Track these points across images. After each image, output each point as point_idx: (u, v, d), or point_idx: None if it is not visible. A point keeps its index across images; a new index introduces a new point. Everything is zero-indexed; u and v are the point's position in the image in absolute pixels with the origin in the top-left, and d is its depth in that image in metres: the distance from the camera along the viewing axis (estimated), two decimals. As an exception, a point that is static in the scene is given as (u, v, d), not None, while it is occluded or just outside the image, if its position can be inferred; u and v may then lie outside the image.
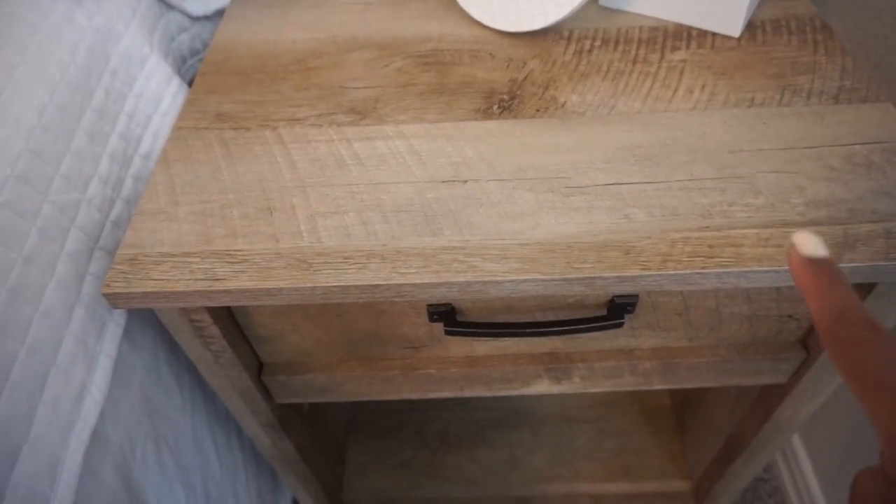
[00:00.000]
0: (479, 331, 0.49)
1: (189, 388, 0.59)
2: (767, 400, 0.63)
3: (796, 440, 0.90)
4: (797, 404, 0.60)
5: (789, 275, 0.40)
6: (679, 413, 0.94)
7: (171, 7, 0.65)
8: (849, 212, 0.43)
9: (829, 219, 0.43)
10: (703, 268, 0.40)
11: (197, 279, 0.42)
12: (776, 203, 0.44)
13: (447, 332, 0.49)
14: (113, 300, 0.42)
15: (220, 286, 0.42)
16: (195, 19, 0.69)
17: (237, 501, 0.68)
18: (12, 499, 0.36)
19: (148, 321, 0.53)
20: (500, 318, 0.51)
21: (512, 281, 0.41)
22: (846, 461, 0.78)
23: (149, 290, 0.42)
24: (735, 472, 0.75)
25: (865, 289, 0.45)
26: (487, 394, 0.59)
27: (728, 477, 0.77)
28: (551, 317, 0.51)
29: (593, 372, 0.56)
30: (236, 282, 0.42)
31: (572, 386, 0.59)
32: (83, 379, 0.43)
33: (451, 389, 0.59)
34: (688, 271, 0.40)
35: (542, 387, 0.58)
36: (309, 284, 0.41)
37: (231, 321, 0.51)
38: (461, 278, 0.41)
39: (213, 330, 0.48)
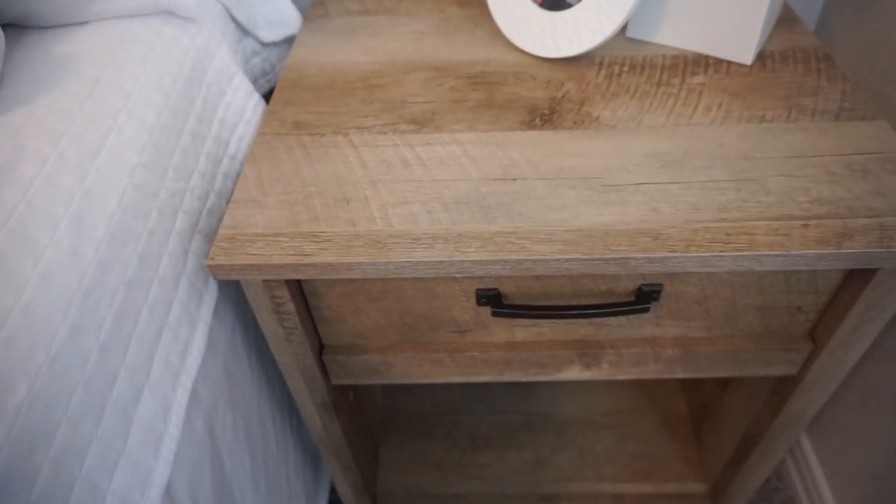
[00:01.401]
0: (522, 312, 0.56)
1: (257, 370, 0.66)
2: (779, 394, 0.69)
3: (808, 447, 0.95)
4: (807, 396, 0.65)
5: (796, 260, 0.47)
6: (696, 420, 0.99)
7: (247, 33, 0.75)
8: (848, 209, 0.50)
9: (831, 214, 0.49)
10: (721, 251, 0.47)
11: (287, 254, 0.49)
12: (784, 200, 0.51)
13: (494, 314, 0.56)
14: (215, 271, 0.50)
15: (307, 260, 0.49)
16: (265, 45, 0.78)
17: (288, 481, 0.73)
18: (137, 429, 0.43)
19: (230, 302, 0.61)
20: (540, 303, 0.58)
21: (557, 259, 0.48)
22: (857, 467, 0.83)
23: (246, 262, 0.49)
24: (750, 470, 0.80)
25: (865, 276, 0.52)
26: (524, 378, 0.65)
27: (743, 475, 0.82)
28: (585, 303, 0.57)
29: (621, 358, 0.63)
30: (321, 257, 0.49)
31: (601, 372, 0.65)
32: (187, 338, 0.50)
33: (492, 373, 0.65)
34: (708, 254, 0.47)
35: (574, 372, 0.65)
36: (383, 260, 0.49)
37: (303, 301, 0.58)
38: (514, 257, 0.48)
39: (290, 307, 0.56)
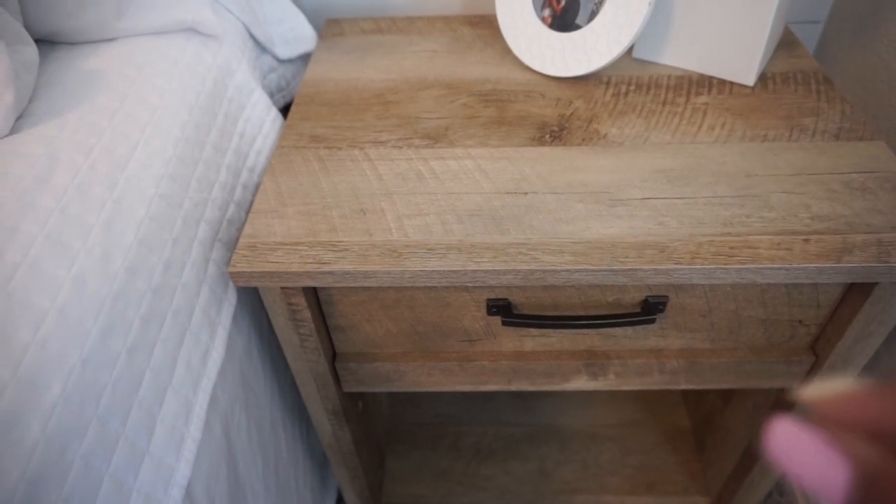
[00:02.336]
0: (532, 322, 0.57)
1: (270, 376, 0.67)
2: (782, 407, 0.70)
3: (810, 462, 0.95)
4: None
5: (797, 273, 0.49)
6: (698, 434, 1.00)
7: (264, 50, 0.77)
8: (847, 225, 0.52)
9: (831, 230, 0.51)
10: (725, 264, 0.49)
11: (306, 262, 0.51)
12: (786, 216, 0.53)
13: (504, 323, 0.57)
14: (236, 278, 0.51)
15: (325, 268, 0.51)
16: (282, 62, 0.81)
17: (297, 486, 0.75)
18: (160, 430, 0.44)
19: (247, 309, 0.62)
20: (549, 313, 0.59)
21: (567, 270, 0.50)
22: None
23: (266, 269, 0.51)
24: (752, 484, 0.81)
25: (865, 291, 0.53)
26: (531, 388, 0.67)
27: (745, 489, 0.83)
28: (592, 313, 0.59)
29: (626, 369, 0.64)
30: (339, 265, 0.51)
31: (607, 383, 0.66)
32: (207, 343, 0.51)
33: (500, 382, 0.66)
34: (712, 266, 0.49)
35: (581, 382, 0.66)
36: (399, 269, 0.50)
37: (318, 309, 0.60)
38: (525, 267, 0.50)
39: (305, 314, 0.57)
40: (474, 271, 0.50)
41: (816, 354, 0.62)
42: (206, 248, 0.54)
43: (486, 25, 0.80)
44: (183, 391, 0.47)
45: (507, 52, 0.75)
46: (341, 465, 0.80)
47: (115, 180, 0.47)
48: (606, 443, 1.01)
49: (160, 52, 0.58)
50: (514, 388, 0.67)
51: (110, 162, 0.47)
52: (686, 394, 1.07)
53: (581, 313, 0.59)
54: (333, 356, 0.65)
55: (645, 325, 0.60)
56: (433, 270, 0.50)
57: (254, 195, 0.64)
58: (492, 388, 0.67)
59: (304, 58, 0.84)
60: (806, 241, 0.50)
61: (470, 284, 0.51)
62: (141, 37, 0.60)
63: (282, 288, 0.54)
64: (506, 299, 0.58)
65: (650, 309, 0.57)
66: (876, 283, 0.52)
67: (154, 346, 0.45)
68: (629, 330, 0.61)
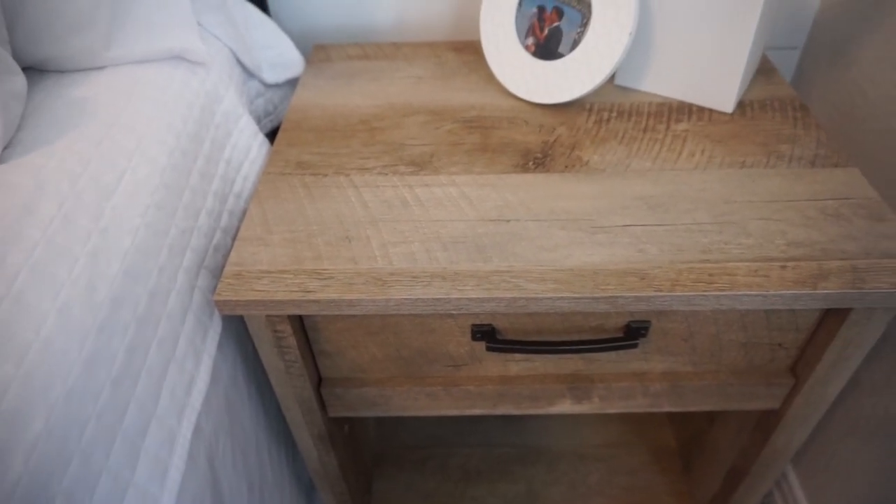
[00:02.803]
0: (516, 347, 0.58)
1: (256, 402, 0.67)
2: (764, 428, 0.71)
3: (794, 481, 0.96)
4: (790, 430, 0.68)
5: (774, 300, 0.50)
6: (684, 454, 1.01)
7: (252, 76, 0.78)
8: (822, 251, 0.53)
9: (806, 256, 0.52)
10: (704, 291, 0.50)
11: (291, 291, 0.52)
12: (763, 243, 0.54)
13: (489, 349, 0.58)
14: (222, 307, 0.52)
15: (310, 297, 0.51)
16: (269, 87, 0.82)
17: (283, 512, 0.74)
18: (144, 460, 0.44)
19: (232, 336, 0.62)
20: (533, 338, 0.60)
21: (550, 298, 0.50)
22: (842, 500, 0.85)
23: (251, 298, 0.51)
24: (737, 502, 0.82)
25: (841, 315, 0.54)
26: (516, 412, 0.67)
27: (731, 508, 0.83)
28: (576, 338, 0.60)
29: (610, 392, 0.65)
30: (324, 293, 0.51)
31: (591, 406, 0.67)
32: (192, 371, 0.51)
33: (485, 406, 0.67)
34: (692, 293, 0.50)
35: (565, 406, 0.67)
36: (384, 297, 0.51)
37: (303, 335, 0.60)
38: (508, 295, 0.50)
39: (291, 341, 0.57)
40: (458, 299, 0.51)
41: (796, 376, 0.63)
42: (191, 276, 0.54)
43: (471, 52, 0.82)
44: (167, 421, 0.47)
45: (491, 78, 0.76)
46: (328, 489, 0.80)
47: (101, 210, 0.47)
48: (594, 463, 1.02)
49: (148, 79, 0.59)
50: (499, 412, 0.67)
51: (97, 191, 0.48)
52: (672, 415, 1.08)
53: (564, 338, 0.60)
54: (319, 381, 0.65)
55: (628, 350, 0.61)
56: (417, 298, 0.51)
57: (240, 221, 0.64)
58: (477, 412, 0.67)
59: (292, 82, 0.85)
60: (783, 267, 0.52)
61: (454, 312, 0.52)
62: (129, 65, 0.60)
63: (267, 315, 0.55)
64: (490, 325, 0.58)
65: (633, 334, 0.58)
66: (851, 308, 0.53)
67: (139, 376, 0.45)
68: (613, 354, 0.62)
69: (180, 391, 0.50)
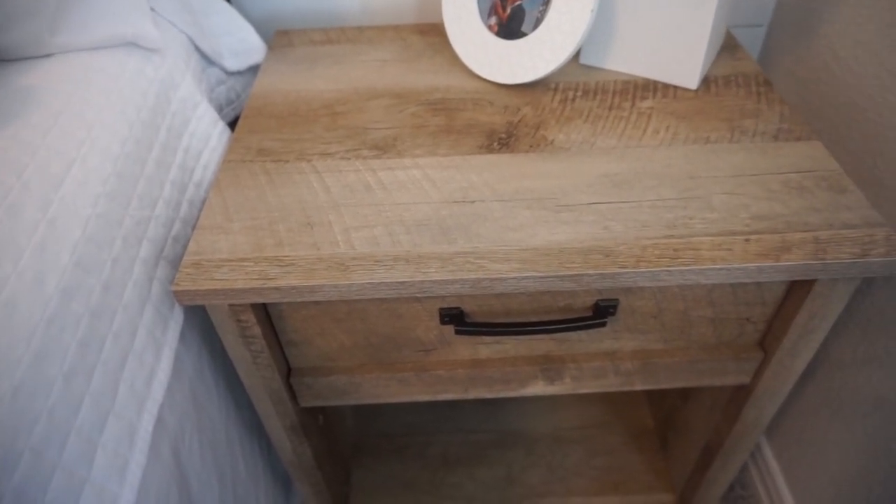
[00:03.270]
0: (484, 329, 0.57)
1: (224, 394, 0.66)
2: (735, 403, 0.71)
3: (769, 455, 0.97)
4: (761, 404, 0.68)
5: (738, 273, 0.50)
6: (661, 432, 1.01)
7: (211, 63, 0.76)
8: (785, 223, 0.53)
9: (770, 229, 0.52)
10: (669, 266, 0.50)
11: (252, 279, 0.50)
12: (727, 217, 0.54)
13: (457, 332, 0.57)
14: (181, 297, 0.50)
15: (271, 284, 0.50)
16: (230, 74, 0.80)
17: (258, 505, 0.73)
18: (101, 456, 0.43)
19: (196, 327, 0.61)
20: (501, 320, 0.59)
21: (514, 278, 0.50)
22: (815, 473, 0.86)
23: (211, 287, 0.50)
24: (712, 478, 0.82)
25: (806, 287, 0.55)
26: (489, 395, 0.67)
27: (706, 484, 0.84)
28: (544, 319, 0.59)
29: (582, 372, 0.65)
30: (285, 280, 0.50)
31: (564, 387, 0.66)
32: (152, 364, 0.50)
33: (457, 391, 0.66)
34: (657, 269, 0.50)
35: (538, 388, 0.66)
36: (346, 282, 0.50)
37: (269, 324, 0.59)
38: (473, 276, 0.50)
39: (256, 330, 0.56)
40: (422, 282, 0.50)
41: (765, 350, 0.63)
42: (149, 267, 0.53)
43: (435, 34, 0.81)
44: (126, 415, 0.46)
45: (456, 60, 0.75)
46: (304, 480, 0.79)
47: (49, 200, 0.45)
48: (572, 445, 1.02)
49: (98, 67, 0.57)
50: (471, 396, 0.67)
51: (44, 182, 0.46)
52: (649, 393, 1.08)
53: (533, 319, 0.59)
54: (288, 371, 0.65)
55: (598, 329, 0.61)
56: (380, 282, 0.50)
57: (200, 211, 0.63)
58: (449, 396, 0.67)
59: (255, 70, 0.83)
60: (746, 241, 0.52)
61: (419, 295, 0.51)
62: (79, 52, 0.58)
63: (230, 305, 0.54)
64: (458, 308, 0.58)
65: (601, 312, 0.58)
66: (815, 280, 0.53)
67: (94, 370, 0.44)
68: (583, 333, 0.62)
69: (140, 384, 0.48)
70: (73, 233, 0.45)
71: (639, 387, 0.67)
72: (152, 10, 0.67)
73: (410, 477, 0.99)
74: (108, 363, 0.45)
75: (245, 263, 0.52)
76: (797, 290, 0.56)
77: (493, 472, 0.99)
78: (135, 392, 0.47)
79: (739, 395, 0.70)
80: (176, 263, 0.57)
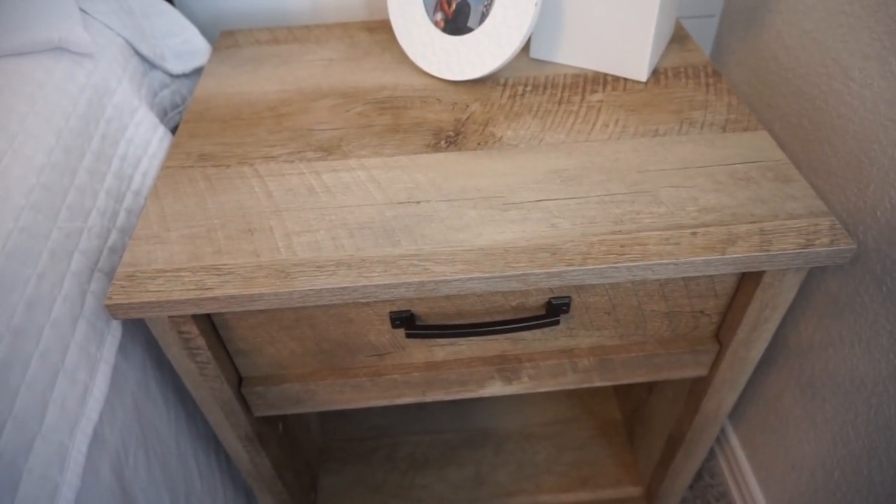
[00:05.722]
0: (435, 332, 0.56)
1: (174, 406, 0.64)
2: (695, 395, 0.71)
3: (735, 444, 0.98)
4: (719, 395, 0.68)
5: (686, 267, 0.50)
6: (629, 425, 1.01)
7: (154, 66, 0.74)
8: (732, 215, 0.53)
9: (717, 221, 0.52)
10: (615, 262, 0.49)
11: (188, 289, 0.49)
12: (675, 210, 0.53)
13: (408, 335, 0.56)
14: (114, 311, 0.48)
15: (209, 294, 0.48)
16: (175, 77, 0.77)
17: (217, 518, 0.71)
18: (27, 482, 0.41)
19: (139, 339, 0.59)
20: (454, 322, 0.58)
21: (459, 279, 0.49)
22: (777, 459, 0.86)
23: (146, 300, 0.48)
24: (677, 470, 0.83)
25: (755, 279, 0.54)
26: (446, 397, 0.66)
27: (671, 475, 0.84)
28: (497, 319, 0.58)
29: (539, 371, 0.64)
30: (223, 290, 0.48)
31: (522, 386, 0.66)
32: (86, 381, 0.48)
33: (414, 394, 0.65)
34: (604, 266, 0.49)
35: (496, 388, 0.65)
36: (287, 290, 0.48)
37: (214, 335, 0.57)
38: (416, 279, 0.49)
39: (200, 341, 0.55)
40: (365, 286, 0.49)
41: (720, 342, 0.63)
42: (81, 281, 0.50)
43: (384, 31, 0.79)
44: (55, 437, 0.44)
45: (404, 57, 0.74)
46: (265, 491, 0.78)
47: (-34, 216, 0.43)
48: (541, 441, 1.02)
49: (23, 73, 0.55)
50: (429, 398, 0.66)
51: (-40, 196, 0.44)
52: (617, 387, 1.08)
53: (486, 319, 0.58)
54: (239, 381, 0.63)
55: (552, 327, 0.60)
56: (322, 289, 0.48)
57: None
58: (407, 400, 0.66)
59: (201, 72, 0.81)
60: (693, 234, 0.51)
61: (363, 300, 0.50)
62: (0, 58, 0.56)
63: (169, 317, 0.52)
64: (409, 311, 0.56)
65: (554, 311, 0.57)
66: (764, 271, 0.53)
67: (17, 392, 0.42)
68: (538, 332, 0.61)
69: (72, 403, 0.46)
70: (-9, 249, 0.43)
71: (598, 383, 0.66)
72: (84, 12, 0.65)
73: (379, 480, 0.98)
74: (35, 384, 0.43)
75: (182, 273, 0.50)
76: (748, 282, 0.56)
77: (462, 472, 0.98)
78: (66, 412, 0.45)
79: (698, 387, 0.70)
80: (112, 275, 0.55)
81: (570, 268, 0.49)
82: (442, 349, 0.62)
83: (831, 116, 0.67)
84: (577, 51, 0.70)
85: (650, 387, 0.88)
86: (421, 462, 0.99)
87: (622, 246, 0.50)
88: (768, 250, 0.49)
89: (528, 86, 0.68)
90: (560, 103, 0.66)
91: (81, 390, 0.48)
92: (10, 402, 0.41)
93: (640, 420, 0.95)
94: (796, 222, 0.51)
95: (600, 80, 0.69)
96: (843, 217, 0.66)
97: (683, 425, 0.76)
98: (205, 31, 0.86)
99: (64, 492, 0.43)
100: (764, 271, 0.54)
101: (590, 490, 0.96)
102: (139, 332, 0.59)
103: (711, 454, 1.05)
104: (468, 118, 0.64)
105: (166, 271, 0.50)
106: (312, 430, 1.00)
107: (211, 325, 0.56)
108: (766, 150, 0.59)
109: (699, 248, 0.50)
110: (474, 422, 1.04)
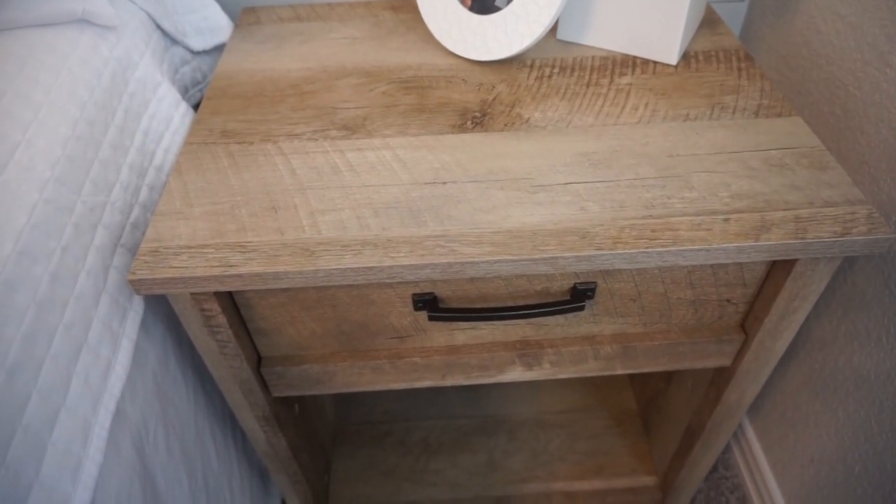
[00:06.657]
0: (458, 315, 0.56)
1: (193, 384, 0.64)
2: (717, 385, 0.70)
3: (752, 436, 0.97)
4: (742, 386, 0.67)
5: (718, 254, 0.48)
6: (644, 415, 1.01)
7: (175, 42, 0.73)
8: (765, 202, 0.51)
9: (750, 208, 0.51)
10: (646, 247, 0.48)
11: (212, 266, 0.48)
12: (707, 196, 0.52)
13: (431, 318, 0.56)
14: (137, 286, 0.48)
15: (233, 271, 0.48)
16: (196, 54, 0.77)
17: (233, 496, 0.72)
18: (52, 455, 0.41)
19: (160, 316, 0.59)
20: (477, 306, 0.57)
21: (486, 262, 0.48)
22: (795, 453, 0.85)
23: (169, 276, 0.48)
24: (694, 461, 0.82)
25: (787, 267, 0.53)
26: (466, 382, 0.65)
27: (689, 466, 0.83)
28: (521, 303, 0.58)
29: (561, 357, 0.63)
30: (247, 267, 0.48)
31: (543, 372, 0.65)
32: (109, 357, 0.48)
33: (434, 378, 0.65)
34: (634, 251, 0.48)
35: (516, 373, 0.65)
36: (311, 268, 0.48)
37: (235, 313, 0.57)
38: (443, 260, 0.48)
39: (221, 319, 0.54)
40: (391, 267, 0.48)
41: (746, 332, 0.62)
42: (104, 255, 0.50)
43: (408, 10, 0.78)
44: (79, 411, 0.44)
45: (429, 37, 0.72)
46: (280, 471, 0.77)
47: (-9, 186, 0.43)
48: (555, 429, 1.01)
49: (47, 45, 0.54)
50: (448, 383, 0.65)
51: (-15, 166, 0.43)
52: (633, 376, 1.08)
53: (509, 304, 0.58)
54: (259, 361, 0.62)
55: (576, 313, 0.59)
56: (347, 268, 0.48)
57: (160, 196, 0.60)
58: (426, 384, 0.65)
59: (222, 49, 0.80)
60: (726, 220, 0.50)
61: (387, 280, 0.49)
62: (25, 29, 0.55)
63: (192, 294, 0.51)
64: (431, 293, 0.56)
65: (579, 296, 0.56)
66: (796, 260, 0.52)
67: (42, 366, 0.42)
68: (561, 318, 0.60)
69: (95, 378, 0.46)
70: (17, 220, 0.43)
71: (619, 371, 0.65)
72: (108, -15, 0.64)
73: (392, 464, 0.98)
74: (59, 357, 0.43)
75: (206, 250, 0.49)
76: (778, 271, 0.55)
77: (475, 458, 0.98)
78: (89, 386, 0.45)
79: (721, 378, 0.69)
80: (135, 251, 0.54)
81: (600, 252, 0.48)
82: (463, 333, 0.61)
83: (865, 104, 0.65)
84: (605, 33, 0.68)
85: (668, 377, 0.88)
86: (434, 447, 0.99)
87: (653, 231, 0.49)
88: (803, 238, 0.48)
89: (556, 67, 0.67)
90: (588, 86, 0.65)
91: (104, 365, 0.47)
92: (35, 376, 0.41)
93: (657, 410, 0.94)
94: (833, 210, 0.50)
95: (629, 63, 0.67)
96: (876, 208, 0.64)
97: (703, 416, 0.75)
98: (226, 7, 0.85)
99: (87, 466, 0.43)
100: (796, 260, 0.52)
101: (604, 479, 0.95)
102: (160, 309, 0.59)
103: (727, 446, 1.05)
104: (494, 99, 0.63)
105: (190, 247, 0.50)
106: (327, 413, 1.00)
107: (232, 304, 0.56)
108: (801, 136, 0.57)
109: (732, 235, 0.49)
110: (488, 408, 1.04)
